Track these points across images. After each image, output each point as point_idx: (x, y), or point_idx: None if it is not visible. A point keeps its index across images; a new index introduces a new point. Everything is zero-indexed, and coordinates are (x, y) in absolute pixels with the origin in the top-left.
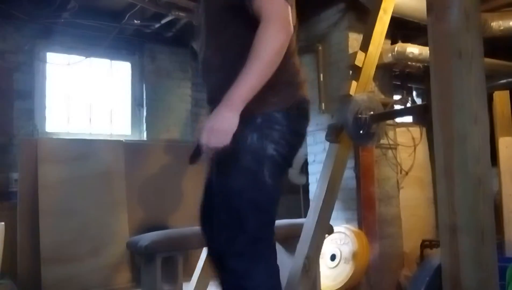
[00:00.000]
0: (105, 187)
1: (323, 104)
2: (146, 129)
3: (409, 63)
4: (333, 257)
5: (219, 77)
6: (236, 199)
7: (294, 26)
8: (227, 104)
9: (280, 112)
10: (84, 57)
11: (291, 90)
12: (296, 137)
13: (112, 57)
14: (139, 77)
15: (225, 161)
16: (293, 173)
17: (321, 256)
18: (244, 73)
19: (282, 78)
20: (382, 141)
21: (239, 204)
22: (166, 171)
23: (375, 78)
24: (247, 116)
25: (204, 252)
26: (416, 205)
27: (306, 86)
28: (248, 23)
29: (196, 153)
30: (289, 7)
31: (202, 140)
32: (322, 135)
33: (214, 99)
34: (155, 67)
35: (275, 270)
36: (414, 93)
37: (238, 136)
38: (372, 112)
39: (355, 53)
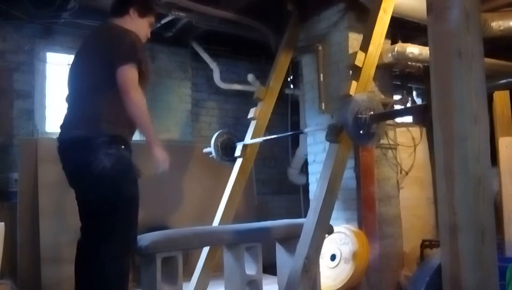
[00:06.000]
0: None
1: (323, 104)
2: None
3: (409, 63)
4: (333, 257)
5: None
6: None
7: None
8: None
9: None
10: None
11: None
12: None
13: None
14: None
15: None
16: (293, 173)
17: (321, 256)
18: (139, 126)
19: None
20: (382, 141)
21: None
22: (166, 171)
23: (375, 78)
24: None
25: (204, 252)
26: (416, 205)
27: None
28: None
29: None
30: (136, 70)
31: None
32: (322, 135)
33: None
34: (155, 67)
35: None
36: (414, 93)
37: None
38: (372, 112)
39: (355, 53)
